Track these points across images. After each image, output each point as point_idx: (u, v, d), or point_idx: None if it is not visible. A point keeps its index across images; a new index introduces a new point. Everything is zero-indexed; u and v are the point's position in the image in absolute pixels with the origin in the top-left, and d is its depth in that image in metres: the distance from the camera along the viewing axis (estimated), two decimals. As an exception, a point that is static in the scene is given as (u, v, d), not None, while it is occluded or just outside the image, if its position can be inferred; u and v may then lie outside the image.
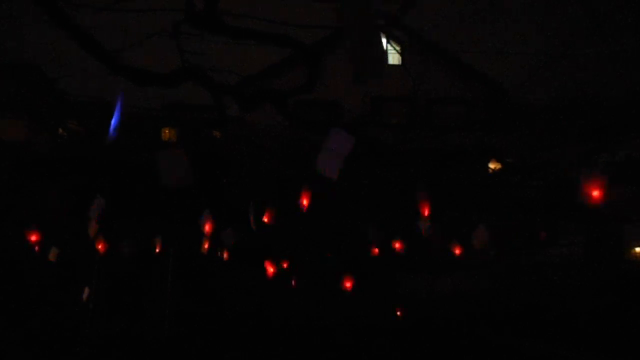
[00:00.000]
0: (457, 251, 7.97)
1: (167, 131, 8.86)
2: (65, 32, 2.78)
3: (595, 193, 3.13)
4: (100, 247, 8.16)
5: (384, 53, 1.84)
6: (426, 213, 5.74)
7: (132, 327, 9.09)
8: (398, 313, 8.99)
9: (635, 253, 9.66)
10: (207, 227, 6.45)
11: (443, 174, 7.89)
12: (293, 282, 9.93)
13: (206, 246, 7.45)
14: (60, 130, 9.55)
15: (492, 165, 8.83)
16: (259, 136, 8.70)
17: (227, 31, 3.16)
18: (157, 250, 8.49)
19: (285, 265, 9.08)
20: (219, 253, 8.82)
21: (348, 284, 8.34)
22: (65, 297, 9.52)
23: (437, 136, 8.98)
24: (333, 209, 8.43)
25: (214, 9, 2.96)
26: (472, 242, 6.53)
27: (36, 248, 8.24)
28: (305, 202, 5.36)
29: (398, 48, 12.82)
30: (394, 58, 12.62)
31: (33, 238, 7.27)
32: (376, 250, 8.28)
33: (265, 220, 6.33)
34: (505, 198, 8.50)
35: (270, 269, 8.26)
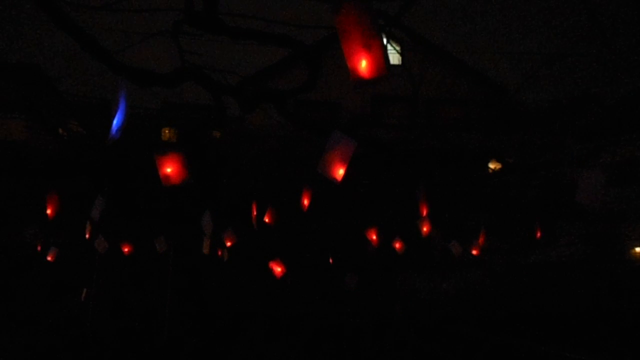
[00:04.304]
0: (457, 251, 7.98)
1: (167, 131, 8.86)
2: (65, 32, 2.78)
3: (592, 194, 3.13)
4: (100, 247, 8.17)
5: (386, 51, 1.83)
6: (426, 213, 5.74)
7: (132, 327, 9.09)
8: (395, 312, 9.00)
9: (635, 253, 9.66)
10: (207, 227, 6.46)
11: (443, 174, 7.88)
12: (292, 282, 9.94)
13: (206, 246, 7.46)
14: (60, 130, 9.55)
15: (492, 165, 8.82)
16: (259, 136, 8.70)
17: (227, 31, 3.16)
18: (158, 250, 8.49)
19: (285, 265, 9.08)
20: (219, 253, 8.83)
21: (350, 284, 8.34)
22: (65, 297, 9.53)
23: (437, 136, 8.97)
24: (333, 209, 8.43)
25: (214, 9, 2.96)
26: (473, 246, 6.54)
27: (37, 248, 8.25)
28: (305, 202, 5.37)
29: (398, 48, 12.83)
30: (394, 58, 12.62)
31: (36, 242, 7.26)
32: (376, 250, 8.28)
33: (266, 220, 6.34)
34: (505, 198, 8.49)
35: (271, 269, 8.26)
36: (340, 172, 2.68)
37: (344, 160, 2.67)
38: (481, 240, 7.30)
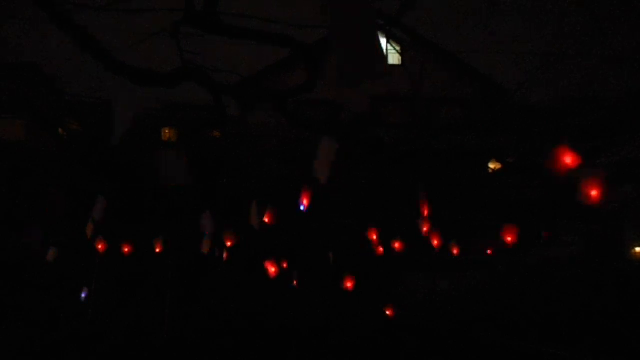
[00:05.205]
0: (456, 251, 7.98)
1: (167, 131, 8.85)
2: (65, 32, 2.78)
3: (594, 193, 3.14)
4: (99, 247, 8.17)
5: (384, 52, 1.81)
6: (426, 213, 5.75)
7: (132, 327, 9.09)
8: (395, 313, 8.99)
9: (635, 253, 9.66)
10: (207, 227, 6.46)
11: (443, 174, 7.88)
12: (293, 282, 9.93)
13: (206, 246, 7.46)
14: (60, 130, 9.54)
15: (492, 165, 8.82)
16: (259, 136, 8.70)
17: (227, 31, 3.16)
18: (157, 250, 8.49)
19: (285, 266, 9.08)
20: (218, 253, 8.82)
21: (349, 284, 8.34)
22: (65, 297, 9.52)
23: (437, 136, 8.97)
24: (333, 209, 8.43)
25: (214, 9, 2.97)
26: (502, 239, 6.49)
27: (37, 248, 8.24)
28: (305, 202, 5.36)
29: (398, 48, 12.81)
30: (394, 58, 12.61)
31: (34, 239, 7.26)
32: (376, 249, 8.28)
33: (266, 220, 6.33)
34: (506, 198, 8.49)
35: (271, 270, 8.26)
36: (325, 173, 2.77)
37: (329, 162, 2.76)
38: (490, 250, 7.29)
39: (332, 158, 2.76)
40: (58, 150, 9.07)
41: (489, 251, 9.10)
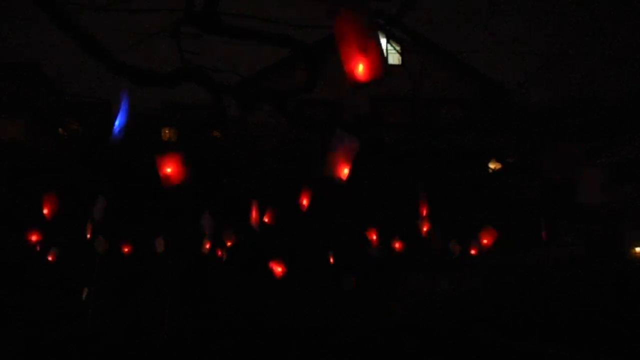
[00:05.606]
0: (457, 251, 7.98)
1: (167, 131, 8.86)
2: (65, 32, 2.78)
3: (594, 193, 3.13)
4: (99, 247, 8.17)
5: (384, 53, 1.83)
6: (426, 213, 5.76)
7: (132, 327, 9.09)
8: (395, 312, 9.00)
9: (635, 253, 9.66)
10: (207, 227, 6.46)
11: (443, 174, 7.89)
12: (293, 283, 9.93)
13: (206, 246, 7.46)
14: (60, 130, 9.55)
15: (492, 165, 8.83)
16: (259, 136, 8.71)
17: (227, 31, 3.17)
18: (157, 251, 8.49)
19: (285, 266, 9.07)
20: (219, 253, 8.83)
21: (346, 285, 8.34)
22: (65, 297, 9.53)
23: (437, 136, 8.98)
24: (333, 209, 8.43)
25: (214, 9, 2.97)
26: (480, 241, 6.53)
27: (37, 248, 8.25)
28: (305, 201, 5.37)
29: (398, 48, 12.80)
30: (394, 58, 12.61)
31: (33, 238, 7.28)
32: (376, 250, 8.28)
33: (266, 220, 6.34)
34: (506, 198, 8.50)
35: (277, 270, 8.26)
36: (345, 171, 2.72)
37: (348, 159, 2.70)
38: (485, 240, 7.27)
39: (352, 156, 2.72)
40: (58, 150, 9.08)
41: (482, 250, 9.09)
